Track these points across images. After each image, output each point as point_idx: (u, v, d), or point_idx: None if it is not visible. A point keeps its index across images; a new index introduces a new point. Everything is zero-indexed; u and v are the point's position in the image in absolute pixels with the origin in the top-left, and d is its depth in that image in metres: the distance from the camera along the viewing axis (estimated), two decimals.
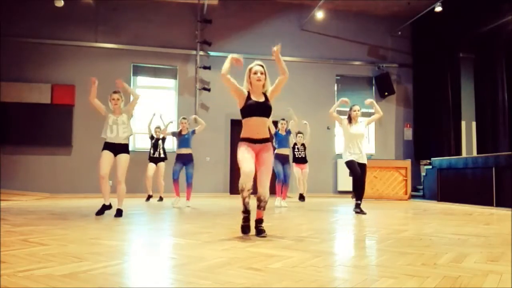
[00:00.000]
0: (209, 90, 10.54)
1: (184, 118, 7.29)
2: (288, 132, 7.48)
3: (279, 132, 7.45)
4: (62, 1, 9.34)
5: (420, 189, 10.46)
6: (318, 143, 10.84)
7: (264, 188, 3.58)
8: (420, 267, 2.42)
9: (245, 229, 3.61)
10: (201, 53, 10.67)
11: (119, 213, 5.19)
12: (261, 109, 3.59)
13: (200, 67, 10.55)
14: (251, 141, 3.60)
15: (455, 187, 8.36)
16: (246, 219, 3.62)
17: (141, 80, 10.83)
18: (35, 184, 9.61)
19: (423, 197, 9.81)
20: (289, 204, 7.48)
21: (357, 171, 5.81)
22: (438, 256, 2.73)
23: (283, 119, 7.44)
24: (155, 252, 2.98)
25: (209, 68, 10.42)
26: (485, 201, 7.38)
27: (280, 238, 3.51)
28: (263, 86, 3.63)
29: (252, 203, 3.61)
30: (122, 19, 10.43)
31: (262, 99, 3.63)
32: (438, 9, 9.78)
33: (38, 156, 9.77)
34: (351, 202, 7.35)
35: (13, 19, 9.74)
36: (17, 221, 4.52)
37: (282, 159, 7.31)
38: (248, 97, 3.61)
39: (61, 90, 9.91)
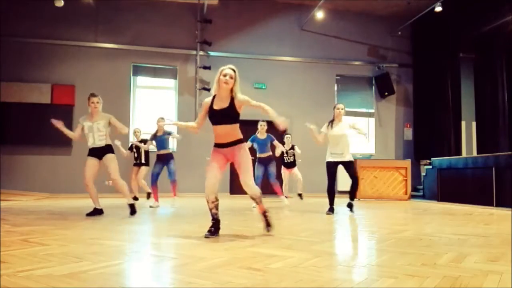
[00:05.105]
0: (209, 90, 10.50)
1: (161, 118, 6.95)
2: (269, 138, 6.88)
3: (258, 136, 6.85)
4: (62, 1, 9.33)
5: (420, 189, 10.45)
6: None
7: (249, 187, 3.60)
8: (420, 267, 2.42)
9: (210, 231, 3.52)
10: (201, 53, 10.67)
11: (132, 209, 5.23)
12: (223, 116, 3.54)
13: (200, 67, 10.54)
14: (220, 146, 3.63)
15: (455, 187, 8.36)
16: (213, 225, 3.57)
17: (141, 80, 10.82)
18: (35, 184, 9.60)
19: (423, 197, 9.80)
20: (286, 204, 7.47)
21: (331, 175, 5.87)
22: (438, 256, 2.73)
23: (263, 121, 6.76)
24: (155, 252, 2.98)
25: (209, 68, 10.41)
26: (485, 201, 7.37)
27: (280, 238, 3.51)
28: (231, 90, 3.55)
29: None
30: (122, 19, 10.42)
31: (225, 105, 3.53)
32: (438, 9, 9.76)
33: (38, 156, 9.77)
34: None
35: (13, 19, 9.73)
36: (17, 221, 4.53)
37: (264, 162, 6.88)
38: (211, 105, 3.58)
39: (61, 90, 9.90)
